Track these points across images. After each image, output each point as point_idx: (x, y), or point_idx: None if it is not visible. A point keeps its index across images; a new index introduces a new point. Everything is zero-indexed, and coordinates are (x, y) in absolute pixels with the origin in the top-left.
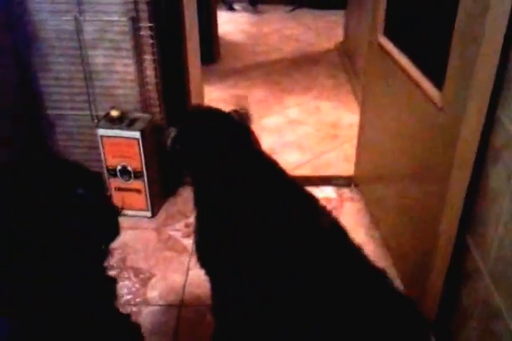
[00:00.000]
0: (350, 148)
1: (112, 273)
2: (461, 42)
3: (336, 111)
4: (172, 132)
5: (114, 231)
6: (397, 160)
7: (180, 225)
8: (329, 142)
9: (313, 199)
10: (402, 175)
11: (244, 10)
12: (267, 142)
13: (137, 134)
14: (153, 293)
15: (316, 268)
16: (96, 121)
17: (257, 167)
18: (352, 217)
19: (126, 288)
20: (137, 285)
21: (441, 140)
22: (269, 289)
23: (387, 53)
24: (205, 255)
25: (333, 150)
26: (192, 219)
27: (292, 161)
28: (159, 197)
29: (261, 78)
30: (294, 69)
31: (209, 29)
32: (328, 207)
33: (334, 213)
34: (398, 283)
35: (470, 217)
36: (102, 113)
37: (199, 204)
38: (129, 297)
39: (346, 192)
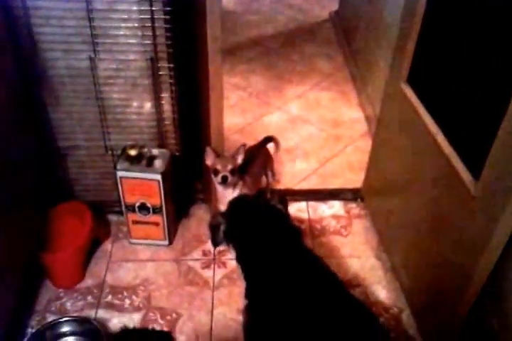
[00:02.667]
0: (352, 153)
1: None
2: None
3: (336, 105)
4: (222, 225)
5: None
6: (411, 205)
7: (197, 253)
8: (332, 145)
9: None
10: (418, 223)
11: None
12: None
13: (158, 176)
14: (182, 338)
15: None
16: (110, 154)
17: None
18: (361, 237)
19: None
20: (166, 329)
21: (471, 224)
22: None
23: (411, 105)
24: None
25: (337, 156)
26: (207, 246)
27: (299, 171)
28: (174, 223)
29: (257, 61)
30: (289, 48)
31: None
32: (338, 226)
33: (344, 233)
34: (408, 314)
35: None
36: (115, 143)
37: (250, 295)
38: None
39: (354, 207)
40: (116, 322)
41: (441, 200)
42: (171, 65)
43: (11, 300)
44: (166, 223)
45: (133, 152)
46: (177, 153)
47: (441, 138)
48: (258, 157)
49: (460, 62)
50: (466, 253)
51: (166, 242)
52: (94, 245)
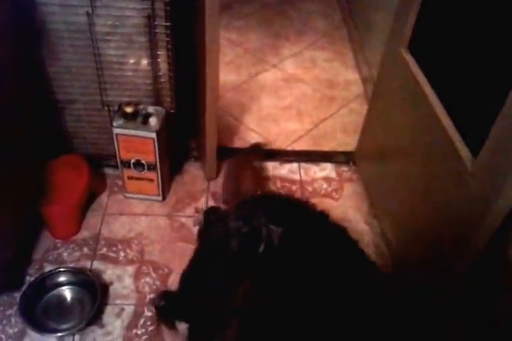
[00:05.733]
0: (346, 115)
1: (131, 268)
2: None
3: (331, 65)
4: (275, 233)
5: None
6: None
7: (190, 210)
8: (326, 106)
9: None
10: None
11: None
12: (267, 106)
13: (153, 134)
14: None
15: None
16: (107, 109)
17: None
18: (351, 201)
19: (147, 286)
20: (158, 283)
21: (466, 198)
22: None
23: (411, 73)
24: None
25: (330, 118)
26: (200, 203)
27: (292, 131)
28: (169, 179)
29: (254, 16)
30: (286, 4)
31: None
32: (329, 189)
33: (332, 197)
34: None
35: None
36: (111, 99)
37: None
38: (152, 296)
39: (345, 170)
40: (110, 273)
41: (436, 171)
42: (168, 23)
43: (10, 250)
44: (160, 179)
45: (129, 109)
46: (172, 111)
47: (440, 110)
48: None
49: (465, 30)
50: (459, 225)
51: (160, 198)
52: (90, 198)
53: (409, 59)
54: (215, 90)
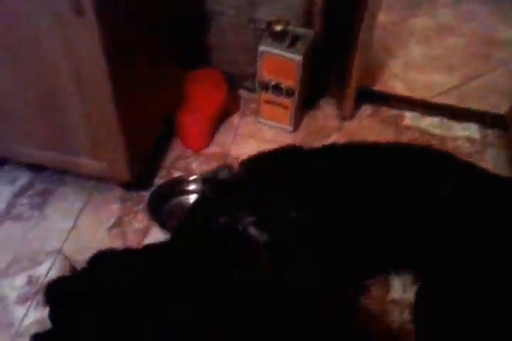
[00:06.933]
0: (501, 76)
1: None
2: None
3: (492, 20)
4: None
5: None
6: None
7: (318, 143)
8: (480, 63)
9: None
10: None
11: None
12: (415, 53)
13: (299, 58)
14: None
15: None
16: (253, 26)
17: None
18: (494, 167)
19: None
20: None
21: None
22: None
23: None
24: None
25: (483, 76)
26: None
27: (438, 84)
28: (302, 111)
29: None
30: None
31: None
32: (471, 150)
33: (473, 158)
34: None
35: None
36: (260, 16)
37: None
38: None
39: (490, 134)
40: None
41: None
42: None
43: (145, 147)
44: (294, 108)
45: (278, 27)
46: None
47: None
48: None
49: None
50: None
51: (291, 128)
52: (223, 116)
53: None
54: (372, 26)
